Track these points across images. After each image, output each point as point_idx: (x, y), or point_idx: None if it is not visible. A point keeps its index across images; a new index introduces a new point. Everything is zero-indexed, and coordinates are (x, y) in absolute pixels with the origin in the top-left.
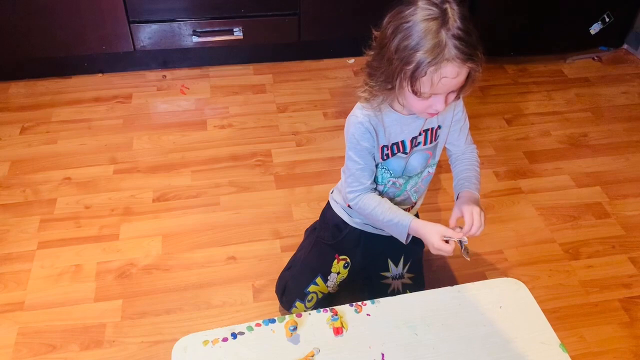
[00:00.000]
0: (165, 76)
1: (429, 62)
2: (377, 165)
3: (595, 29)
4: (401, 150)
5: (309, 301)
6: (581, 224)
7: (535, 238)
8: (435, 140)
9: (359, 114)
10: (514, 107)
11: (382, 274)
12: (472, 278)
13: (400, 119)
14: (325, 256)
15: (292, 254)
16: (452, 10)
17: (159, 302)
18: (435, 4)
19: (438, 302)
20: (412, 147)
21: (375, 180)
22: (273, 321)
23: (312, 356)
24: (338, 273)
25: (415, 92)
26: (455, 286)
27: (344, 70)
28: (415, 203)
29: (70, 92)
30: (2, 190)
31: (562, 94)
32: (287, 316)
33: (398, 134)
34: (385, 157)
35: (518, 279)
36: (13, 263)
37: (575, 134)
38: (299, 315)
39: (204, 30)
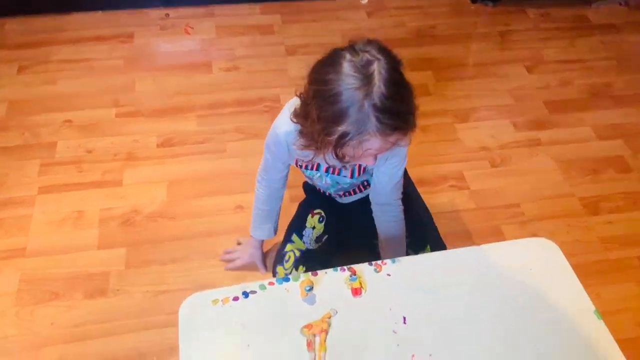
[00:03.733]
0: (168, 15)
1: (351, 136)
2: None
3: None
4: (315, 168)
5: (286, 261)
6: (602, 178)
7: (553, 192)
8: (363, 174)
9: (281, 130)
10: (535, 53)
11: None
12: (486, 231)
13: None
14: (300, 214)
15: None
16: (379, 75)
17: (165, 250)
18: (361, 67)
19: (463, 263)
20: (332, 172)
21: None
22: (287, 280)
23: (329, 318)
24: (313, 228)
25: (339, 158)
26: (481, 246)
27: (357, 11)
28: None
29: (69, 30)
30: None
31: (586, 41)
32: (302, 275)
33: (315, 158)
34: (301, 167)
35: (535, 234)
36: (15, 208)
37: (598, 83)
38: (315, 274)
39: None
